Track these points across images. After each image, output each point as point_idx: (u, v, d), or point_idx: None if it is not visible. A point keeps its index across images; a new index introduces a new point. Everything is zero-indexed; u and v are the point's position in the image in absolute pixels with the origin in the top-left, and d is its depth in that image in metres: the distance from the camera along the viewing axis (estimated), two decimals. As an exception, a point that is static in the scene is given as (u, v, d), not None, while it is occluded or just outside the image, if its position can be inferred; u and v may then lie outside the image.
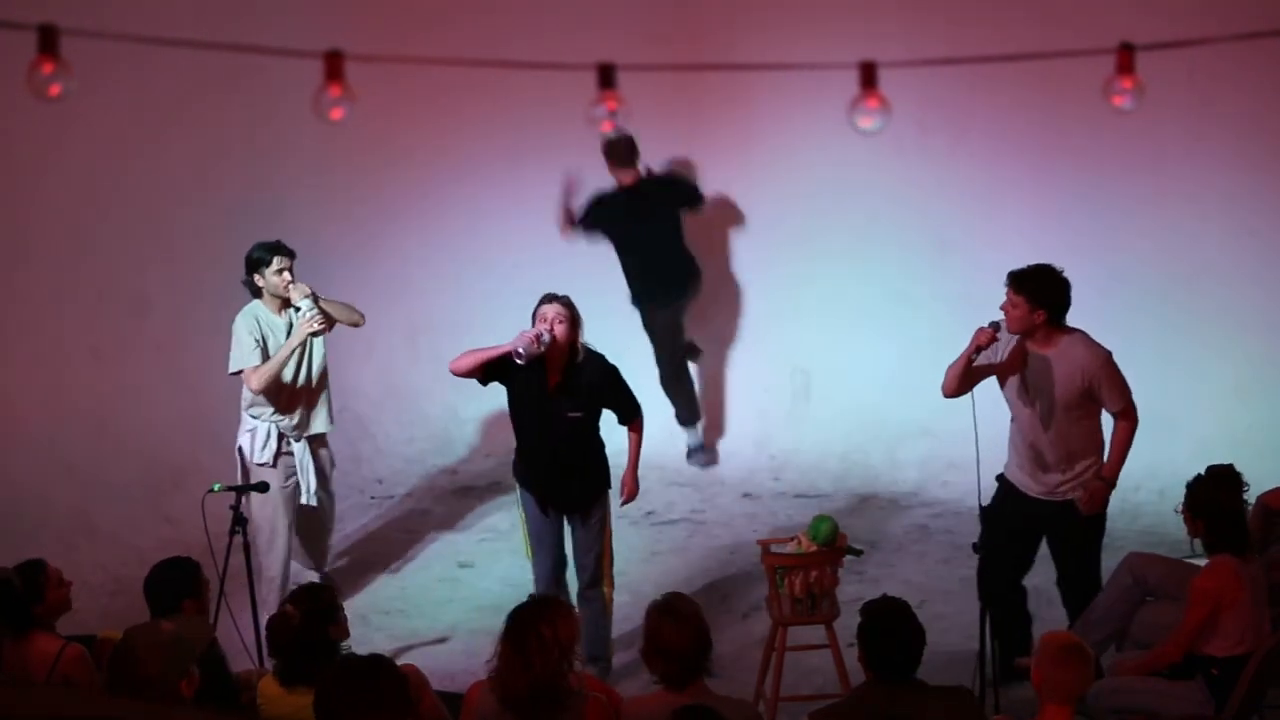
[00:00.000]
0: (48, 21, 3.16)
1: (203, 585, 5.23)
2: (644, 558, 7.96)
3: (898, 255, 8.91)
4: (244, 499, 6.27)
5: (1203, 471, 5.65)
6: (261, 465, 6.96)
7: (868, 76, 3.31)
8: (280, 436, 7.01)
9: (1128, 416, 6.18)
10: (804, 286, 9.26)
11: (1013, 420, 6.22)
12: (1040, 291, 5.99)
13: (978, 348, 6.05)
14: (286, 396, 6.99)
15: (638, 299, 8.84)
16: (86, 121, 7.55)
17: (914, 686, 4.44)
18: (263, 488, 6.59)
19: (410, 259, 9.55)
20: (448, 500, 8.90)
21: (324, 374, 7.17)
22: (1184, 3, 7.57)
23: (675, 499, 8.83)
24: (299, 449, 7.07)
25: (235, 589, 6.35)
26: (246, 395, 7.01)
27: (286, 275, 6.89)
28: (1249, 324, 8.36)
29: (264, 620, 6.17)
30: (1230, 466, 5.63)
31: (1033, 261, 8.73)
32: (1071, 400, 6.05)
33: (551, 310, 6.37)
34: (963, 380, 6.11)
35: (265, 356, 6.87)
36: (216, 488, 6.24)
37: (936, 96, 8.34)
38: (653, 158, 8.82)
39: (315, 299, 6.91)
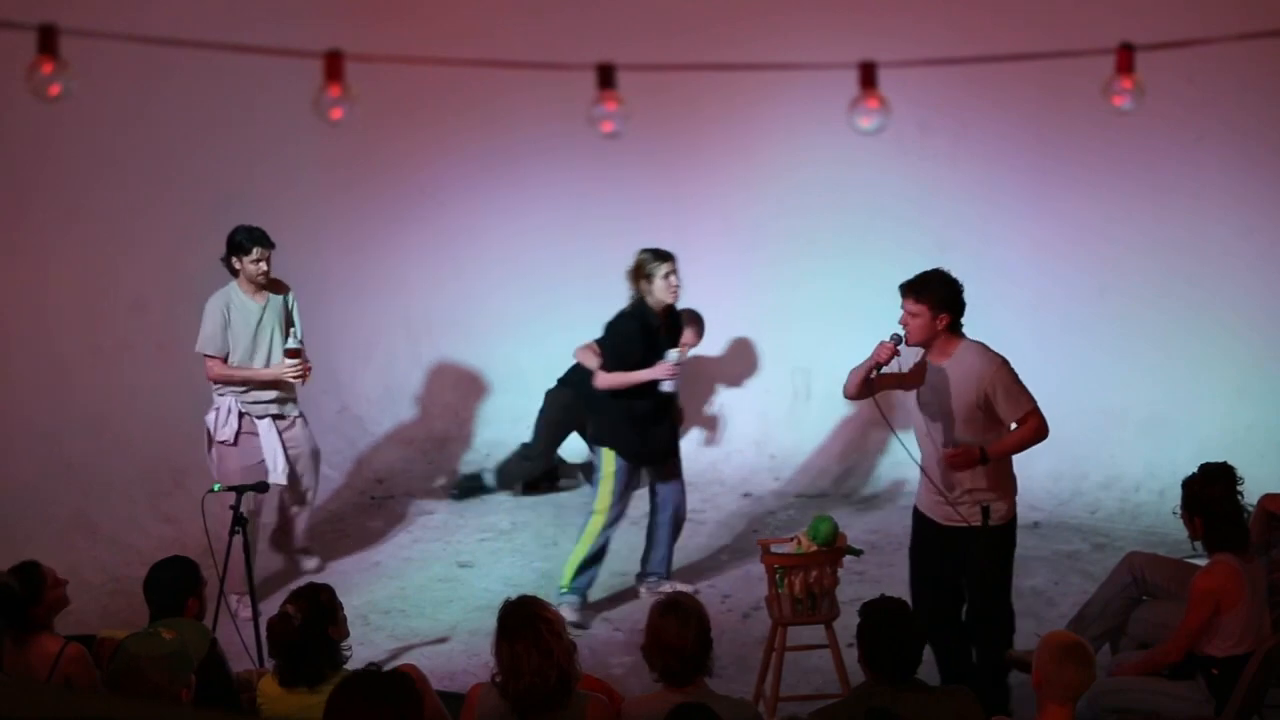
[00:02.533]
0: (48, 21, 3.15)
1: (203, 584, 5.23)
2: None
3: (898, 255, 8.88)
4: (243, 499, 6.28)
5: (1196, 470, 5.65)
6: (223, 443, 7.10)
7: (868, 76, 3.31)
8: (241, 415, 7.14)
9: (1031, 420, 5.72)
10: (804, 286, 9.26)
11: (919, 442, 5.90)
12: (941, 297, 5.70)
13: (877, 363, 5.80)
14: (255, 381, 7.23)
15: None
16: (86, 120, 7.55)
17: (914, 686, 4.44)
18: (262, 488, 6.62)
19: (410, 259, 9.56)
20: (448, 500, 8.90)
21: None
22: (1184, 3, 7.57)
23: (675, 499, 8.84)
24: (264, 427, 7.19)
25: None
26: None
27: (263, 265, 7.09)
28: (1250, 323, 8.36)
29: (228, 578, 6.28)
30: (1224, 463, 5.63)
31: (1035, 261, 8.74)
32: (966, 413, 5.71)
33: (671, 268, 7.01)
34: (862, 388, 5.89)
35: (226, 341, 7.10)
36: (216, 488, 6.25)
37: (936, 96, 8.34)
38: (652, 157, 8.83)
39: (301, 352, 7.16)
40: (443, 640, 7.00)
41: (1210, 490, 5.50)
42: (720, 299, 9.45)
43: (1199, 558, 5.92)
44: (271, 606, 5.22)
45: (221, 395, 7.15)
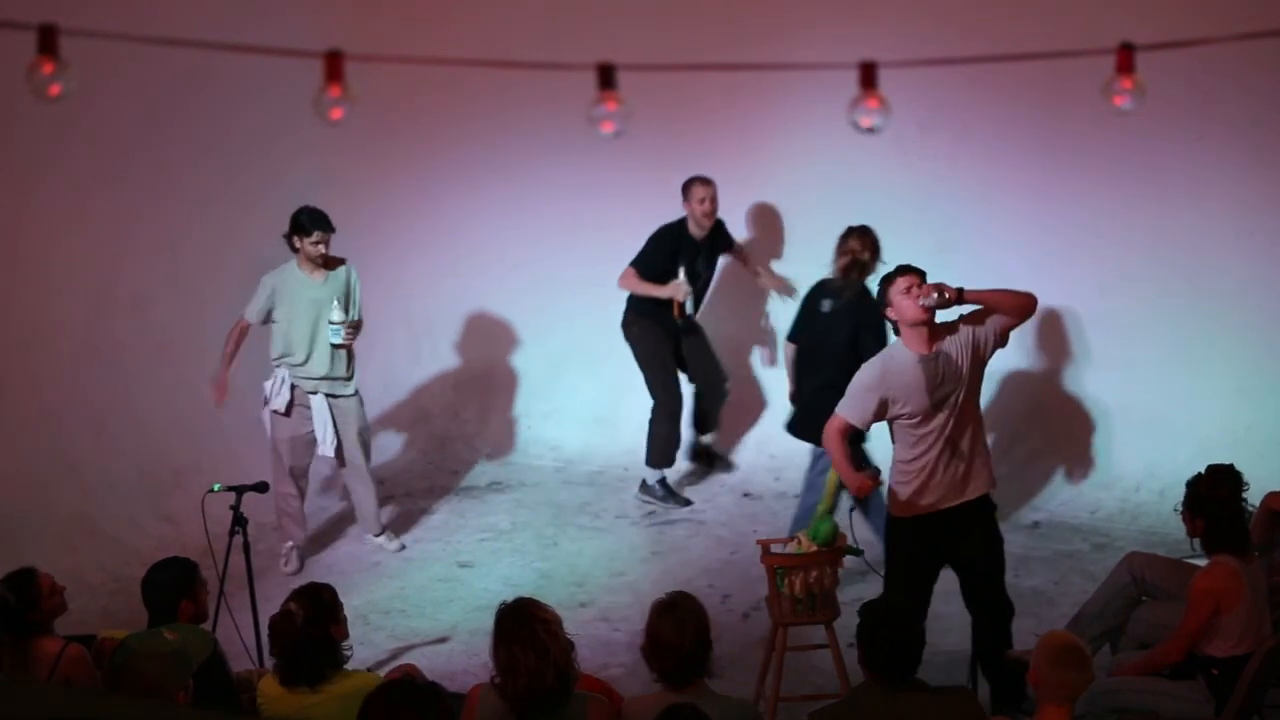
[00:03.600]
0: (48, 21, 3.16)
1: (200, 586, 5.21)
2: (644, 558, 7.98)
3: (898, 255, 8.86)
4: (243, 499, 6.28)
5: (1203, 471, 5.65)
6: (276, 413, 7.55)
7: (868, 76, 3.31)
8: (293, 387, 7.55)
9: None
10: (804, 287, 9.23)
11: (918, 447, 5.88)
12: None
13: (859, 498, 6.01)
14: (303, 350, 7.55)
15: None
16: (88, 120, 7.56)
17: (914, 687, 4.43)
18: (262, 488, 6.63)
19: (410, 259, 9.56)
20: (448, 500, 8.90)
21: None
22: (1184, 3, 7.57)
23: (675, 499, 8.84)
24: (316, 401, 7.56)
25: (235, 589, 6.36)
26: (273, 345, 7.60)
27: (321, 248, 7.42)
28: (1251, 323, 8.35)
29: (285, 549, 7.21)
30: (1230, 465, 5.64)
31: (1036, 261, 8.70)
32: (979, 370, 5.86)
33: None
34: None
35: (264, 315, 7.52)
36: (216, 488, 6.26)
37: (936, 96, 8.33)
38: (652, 157, 8.83)
39: (350, 322, 7.52)
40: (443, 640, 7.00)
41: (1217, 493, 5.50)
42: (722, 298, 9.45)
43: (1199, 558, 5.92)
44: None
45: (278, 366, 7.55)
